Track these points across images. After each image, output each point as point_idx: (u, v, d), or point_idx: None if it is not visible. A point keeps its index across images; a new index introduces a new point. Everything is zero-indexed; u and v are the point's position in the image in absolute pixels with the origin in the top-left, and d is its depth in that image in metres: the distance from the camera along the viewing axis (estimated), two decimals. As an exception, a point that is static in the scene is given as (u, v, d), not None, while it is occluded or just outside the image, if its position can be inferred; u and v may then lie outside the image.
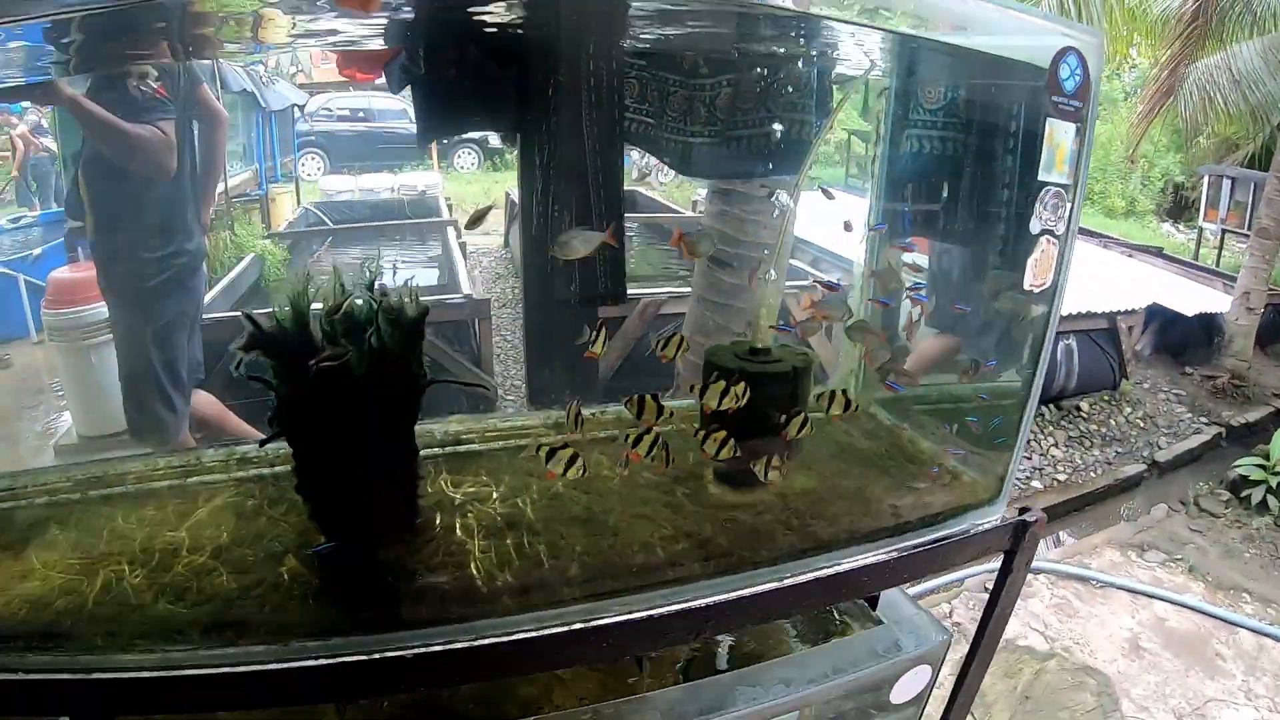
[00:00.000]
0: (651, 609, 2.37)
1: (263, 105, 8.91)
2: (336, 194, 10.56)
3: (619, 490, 2.93)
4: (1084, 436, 9.69)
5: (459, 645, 2.04)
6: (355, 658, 1.91)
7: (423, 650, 1.97)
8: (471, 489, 2.93)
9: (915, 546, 2.77)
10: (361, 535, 2.36)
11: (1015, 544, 2.94)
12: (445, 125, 3.48)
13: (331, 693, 1.98)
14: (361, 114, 11.51)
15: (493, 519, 2.57)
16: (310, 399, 2.43)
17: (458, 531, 2.50)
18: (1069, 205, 2.67)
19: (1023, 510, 3.01)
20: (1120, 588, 6.78)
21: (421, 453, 3.03)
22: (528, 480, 2.99)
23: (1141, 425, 10.16)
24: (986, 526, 2.91)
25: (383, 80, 3.23)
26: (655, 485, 3.01)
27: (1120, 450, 9.56)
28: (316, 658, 1.89)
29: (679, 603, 2.41)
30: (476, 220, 2.97)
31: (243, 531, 2.36)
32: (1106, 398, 10.40)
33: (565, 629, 2.19)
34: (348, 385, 2.43)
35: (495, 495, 2.88)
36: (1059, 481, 9.00)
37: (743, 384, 2.76)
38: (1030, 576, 6.83)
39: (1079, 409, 10.13)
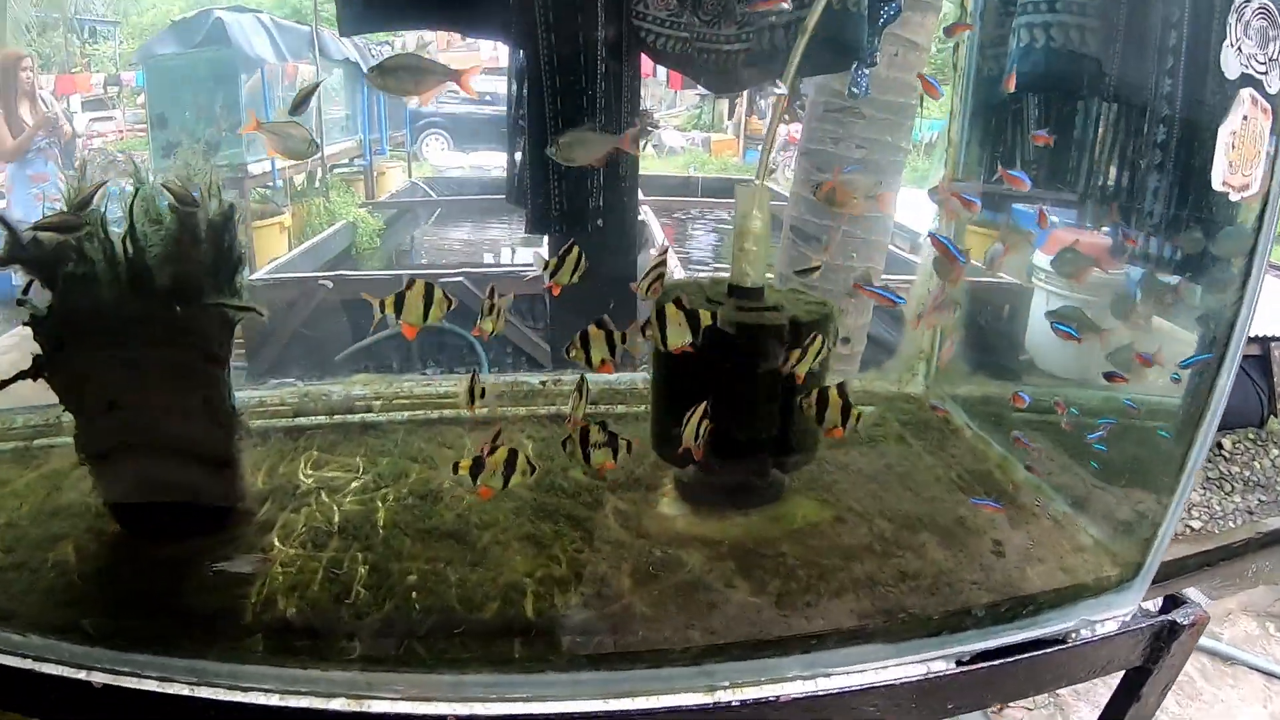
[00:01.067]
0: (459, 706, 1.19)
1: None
2: (446, 170, 9.82)
3: (525, 491, 1.76)
4: (1223, 479, 7.67)
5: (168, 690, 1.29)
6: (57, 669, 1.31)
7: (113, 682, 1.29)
8: (332, 473, 1.95)
9: (982, 657, 1.41)
10: (139, 522, 1.68)
11: (1154, 658, 1.57)
12: (380, 12, 2.33)
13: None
14: (488, 97, 10.77)
15: (329, 520, 1.77)
16: (64, 321, 1.55)
17: (274, 532, 1.73)
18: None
19: (1171, 603, 1.63)
20: (1255, 668, 5.07)
21: (298, 419, 2.02)
22: (407, 467, 1.88)
23: (1290, 471, 8.04)
24: (1112, 626, 1.53)
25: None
26: (583, 487, 1.81)
27: (1264, 499, 7.52)
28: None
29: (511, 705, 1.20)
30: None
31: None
32: (1252, 436, 8.29)
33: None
34: (99, 303, 1.55)
35: (356, 484, 1.88)
36: (1191, 530, 7.07)
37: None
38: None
39: (1220, 446, 8.07)
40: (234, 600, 1.49)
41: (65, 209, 1.55)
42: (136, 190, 1.56)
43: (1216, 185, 1.50)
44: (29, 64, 3.83)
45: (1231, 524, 7.17)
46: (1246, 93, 1.45)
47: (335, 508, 1.81)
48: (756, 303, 1.66)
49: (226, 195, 1.72)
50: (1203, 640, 5.25)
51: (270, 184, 6.92)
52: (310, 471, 1.95)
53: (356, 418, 2.17)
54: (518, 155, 2.38)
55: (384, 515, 1.78)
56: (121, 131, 7.37)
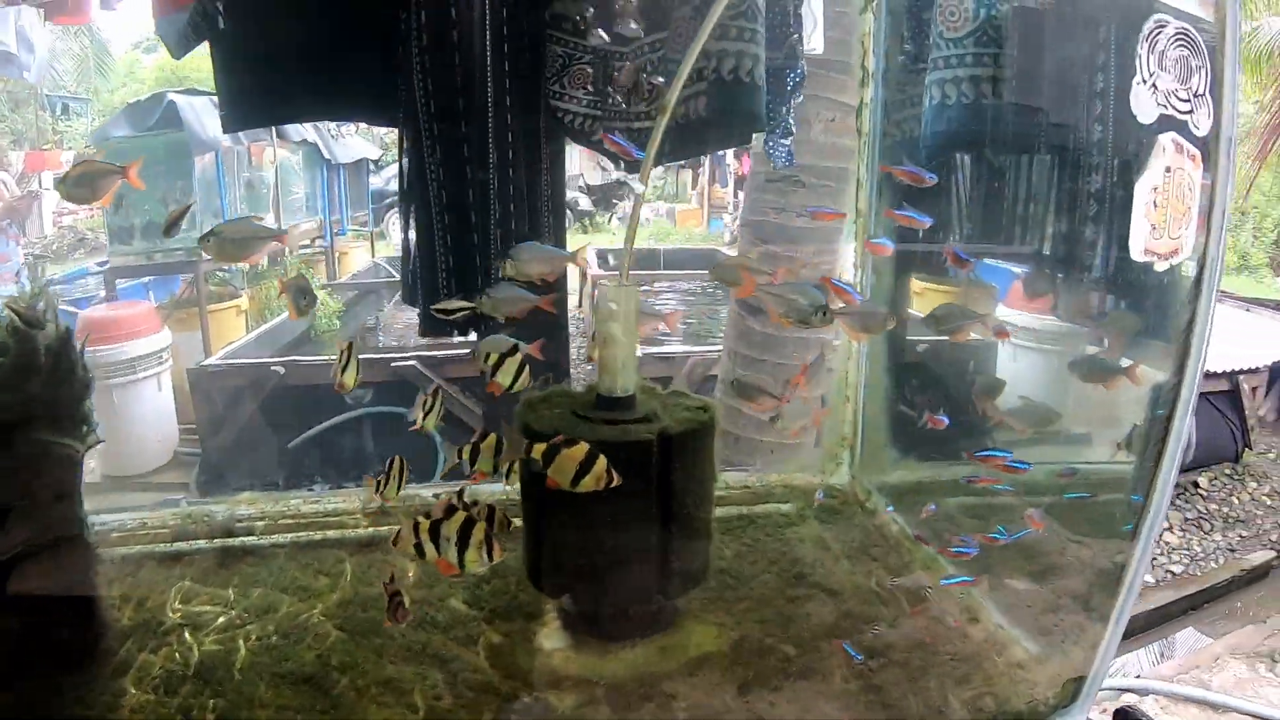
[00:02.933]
0: None
1: (328, 158, 8.20)
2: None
3: (395, 627, 1.59)
4: (1202, 518, 7.45)
5: None
6: None
7: None
8: (201, 607, 1.79)
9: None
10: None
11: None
12: (269, 105, 2.20)
13: None
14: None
15: (186, 661, 1.60)
16: None
17: (129, 675, 1.55)
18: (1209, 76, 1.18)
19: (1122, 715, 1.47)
20: (1248, 713, 4.79)
21: (177, 544, 1.87)
22: (277, 601, 1.71)
23: (1269, 503, 7.79)
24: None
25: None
26: (459, 619, 1.64)
27: (1245, 534, 7.31)
28: None
29: None
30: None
31: None
32: (1228, 471, 8.09)
33: None
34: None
35: (222, 620, 1.72)
36: (1173, 574, 6.84)
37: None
38: (1134, 698, 4.81)
39: (1196, 485, 7.88)
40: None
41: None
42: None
43: (1136, 254, 1.32)
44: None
45: (1214, 564, 6.95)
46: (1167, 139, 1.26)
47: (195, 647, 1.64)
48: (625, 414, 1.51)
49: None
50: (1191, 690, 5.02)
51: (227, 268, 6.82)
52: (178, 606, 1.78)
53: (237, 541, 2.00)
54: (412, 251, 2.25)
55: (243, 657, 1.61)
56: (92, 210, 7.30)
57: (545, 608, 1.67)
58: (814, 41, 2.51)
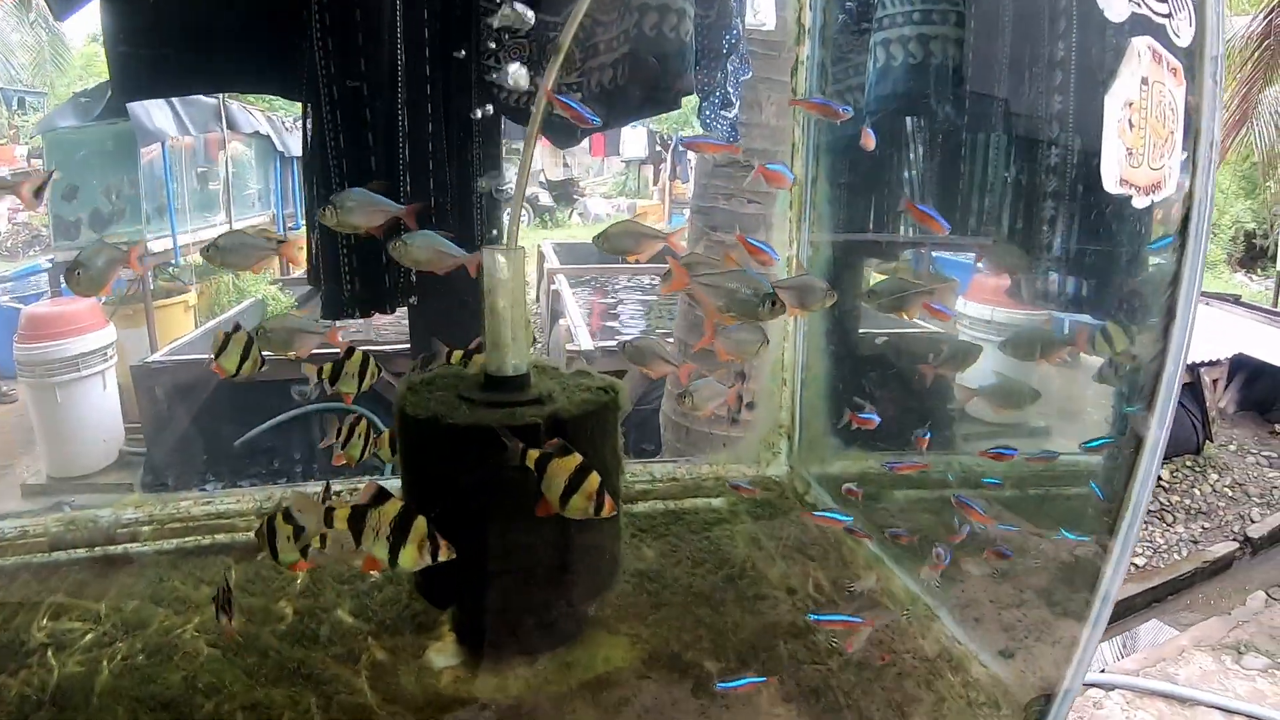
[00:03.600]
0: None
1: (280, 149, 7.96)
2: (371, 242, 9.52)
3: (272, 640, 1.41)
4: (1164, 510, 7.42)
5: None
6: None
7: None
8: (70, 624, 1.62)
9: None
10: None
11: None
12: (160, 76, 2.01)
13: None
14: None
15: (44, 686, 1.44)
16: None
17: None
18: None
19: None
20: (1216, 706, 4.73)
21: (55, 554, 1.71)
22: (150, 615, 1.54)
23: (1230, 495, 7.78)
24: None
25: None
26: (342, 633, 1.47)
27: (1207, 525, 7.29)
28: None
29: None
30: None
31: None
32: (1189, 463, 8.07)
33: None
34: None
35: (90, 637, 1.57)
36: (1136, 567, 6.79)
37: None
38: (1100, 694, 4.79)
39: (1158, 478, 7.87)
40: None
41: None
42: None
43: (1110, 185, 1.07)
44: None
45: (1176, 555, 6.92)
46: (1142, 43, 1.03)
47: (57, 669, 1.47)
48: (515, 395, 1.35)
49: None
50: (1158, 684, 4.96)
51: (173, 261, 6.57)
52: (45, 624, 1.60)
53: (119, 549, 1.82)
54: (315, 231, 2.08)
55: (104, 680, 1.44)
56: (44, 207, 7.02)
57: (439, 619, 1.51)
58: (764, 14, 2.36)
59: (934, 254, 2.04)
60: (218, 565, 1.73)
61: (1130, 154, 1.10)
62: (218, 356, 1.38)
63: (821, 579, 1.73)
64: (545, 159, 9.11)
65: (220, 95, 6.39)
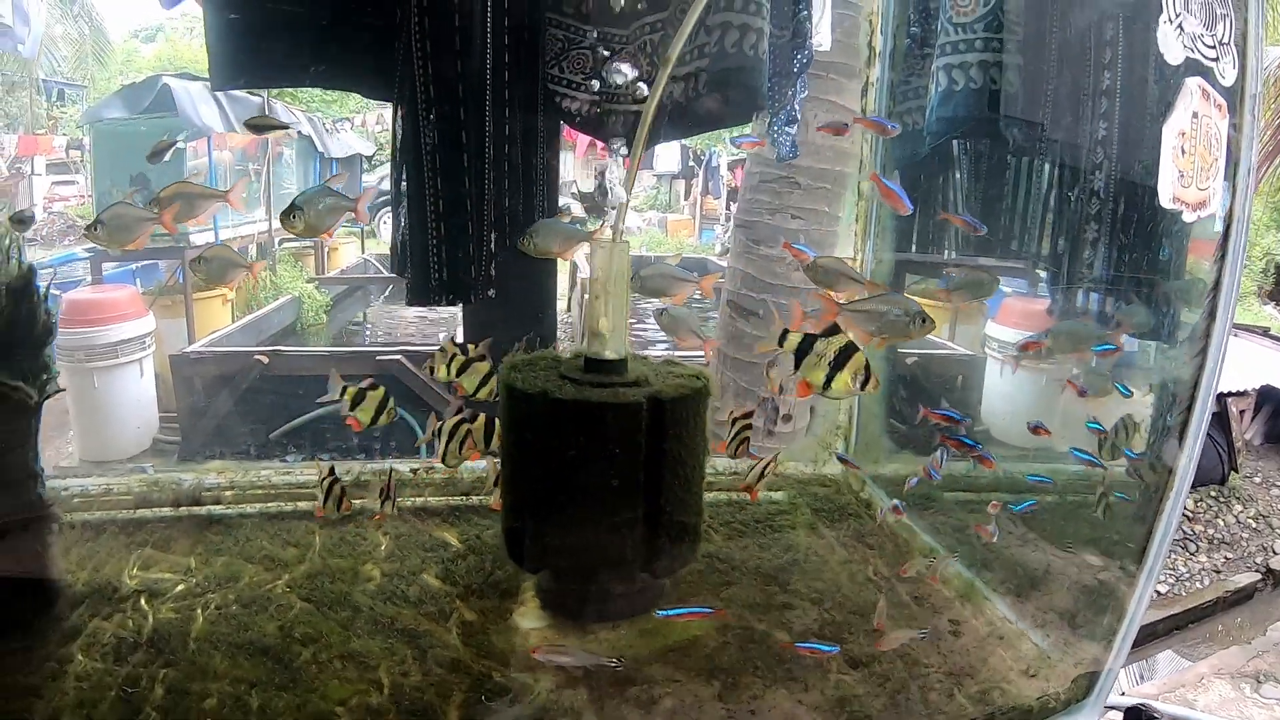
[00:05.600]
0: None
1: (321, 151, 8.09)
2: (404, 245, 9.65)
3: (363, 598, 1.48)
4: (1188, 539, 7.39)
5: None
6: None
7: None
8: (160, 574, 1.68)
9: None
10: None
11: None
12: (258, 65, 2.10)
13: None
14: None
15: (139, 630, 1.48)
16: None
17: (78, 642, 1.42)
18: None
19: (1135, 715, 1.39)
20: (1237, 734, 4.70)
21: (140, 511, 1.78)
22: (241, 570, 1.61)
23: (1254, 526, 7.74)
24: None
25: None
26: (430, 595, 1.54)
27: (1230, 555, 7.26)
28: None
29: None
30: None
31: None
32: (1214, 493, 8.05)
33: None
34: None
35: (181, 588, 1.62)
36: (1158, 594, 6.77)
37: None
38: (1118, 717, 4.63)
39: (1183, 507, 7.82)
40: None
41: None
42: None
43: (1165, 201, 1.24)
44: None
45: (1199, 584, 6.89)
46: (1194, 83, 1.20)
47: (151, 614, 1.54)
48: (616, 377, 1.42)
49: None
50: (1178, 710, 4.94)
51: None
52: (135, 573, 1.67)
53: (204, 510, 1.89)
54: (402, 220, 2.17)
55: (200, 626, 1.50)
56: (83, 197, 7.18)
57: (523, 586, 1.57)
58: (821, 35, 2.44)
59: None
60: (302, 529, 1.79)
61: (1182, 176, 1.26)
62: (353, 409, 1.49)
63: (880, 565, 1.79)
64: (578, 171, 9.22)
65: (266, 93, 6.54)
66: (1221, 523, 7.64)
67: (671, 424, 1.38)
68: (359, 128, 8.91)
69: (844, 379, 1.10)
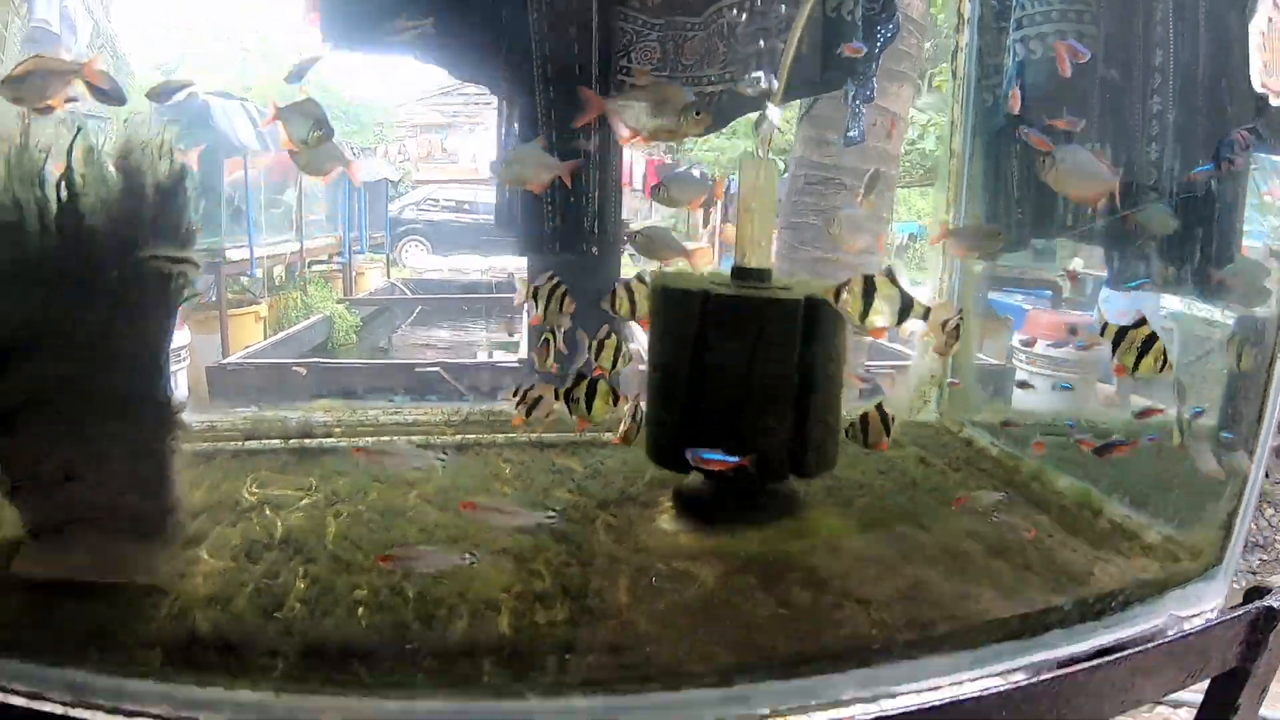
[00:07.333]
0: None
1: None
2: (426, 273, 9.74)
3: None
4: (1222, 543, 7.37)
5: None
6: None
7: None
8: (282, 491, 1.64)
9: (1069, 662, 1.11)
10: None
11: (1251, 654, 1.28)
12: (369, 26, 2.14)
13: None
14: (466, 205, 10.76)
15: (269, 533, 1.46)
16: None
17: (204, 545, 1.40)
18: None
19: (1257, 594, 1.37)
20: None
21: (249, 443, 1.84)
22: (368, 486, 1.59)
23: (1284, 531, 7.72)
24: (1205, 618, 1.26)
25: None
26: (567, 505, 1.52)
27: (1265, 557, 7.19)
28: None
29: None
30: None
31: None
32: (1242, 501, 8.02)
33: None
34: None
35: (307, 500, 1.59)
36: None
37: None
38: (1169, 711, 4.61)
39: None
40: (136, 611, 1.17)
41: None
42: (77, 131, 1.33)
43: (1256, 87, 1.40)
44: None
45: (1234, 586, 6.79)
46: None
47: (279, 523, 1.50)
48: (764, 283, 1.43)
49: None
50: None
51: (248, 272, 6.72)
52: (255, 490, 1.64)
53: (314, 443, 1.87)
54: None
55: (335, 529, 1.47)
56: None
57: (660, 499, 1.55)
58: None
59: (989, 296, 2.13)
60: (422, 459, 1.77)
61: (1265, 66, 1.44)
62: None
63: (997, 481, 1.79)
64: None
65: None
66: (1254, 525, 7.58)
67: (822, 324, 1.39)
68: (384, 156, 9.03)
69: (1148, 362, 1.29)
